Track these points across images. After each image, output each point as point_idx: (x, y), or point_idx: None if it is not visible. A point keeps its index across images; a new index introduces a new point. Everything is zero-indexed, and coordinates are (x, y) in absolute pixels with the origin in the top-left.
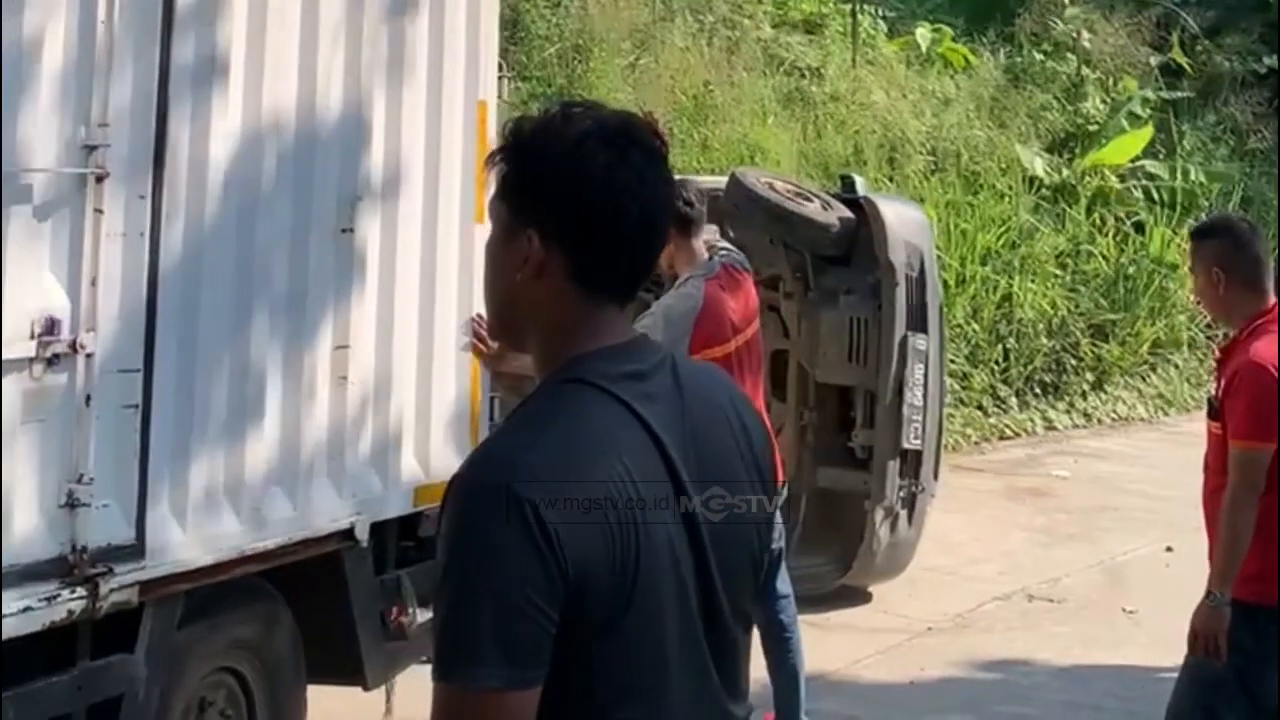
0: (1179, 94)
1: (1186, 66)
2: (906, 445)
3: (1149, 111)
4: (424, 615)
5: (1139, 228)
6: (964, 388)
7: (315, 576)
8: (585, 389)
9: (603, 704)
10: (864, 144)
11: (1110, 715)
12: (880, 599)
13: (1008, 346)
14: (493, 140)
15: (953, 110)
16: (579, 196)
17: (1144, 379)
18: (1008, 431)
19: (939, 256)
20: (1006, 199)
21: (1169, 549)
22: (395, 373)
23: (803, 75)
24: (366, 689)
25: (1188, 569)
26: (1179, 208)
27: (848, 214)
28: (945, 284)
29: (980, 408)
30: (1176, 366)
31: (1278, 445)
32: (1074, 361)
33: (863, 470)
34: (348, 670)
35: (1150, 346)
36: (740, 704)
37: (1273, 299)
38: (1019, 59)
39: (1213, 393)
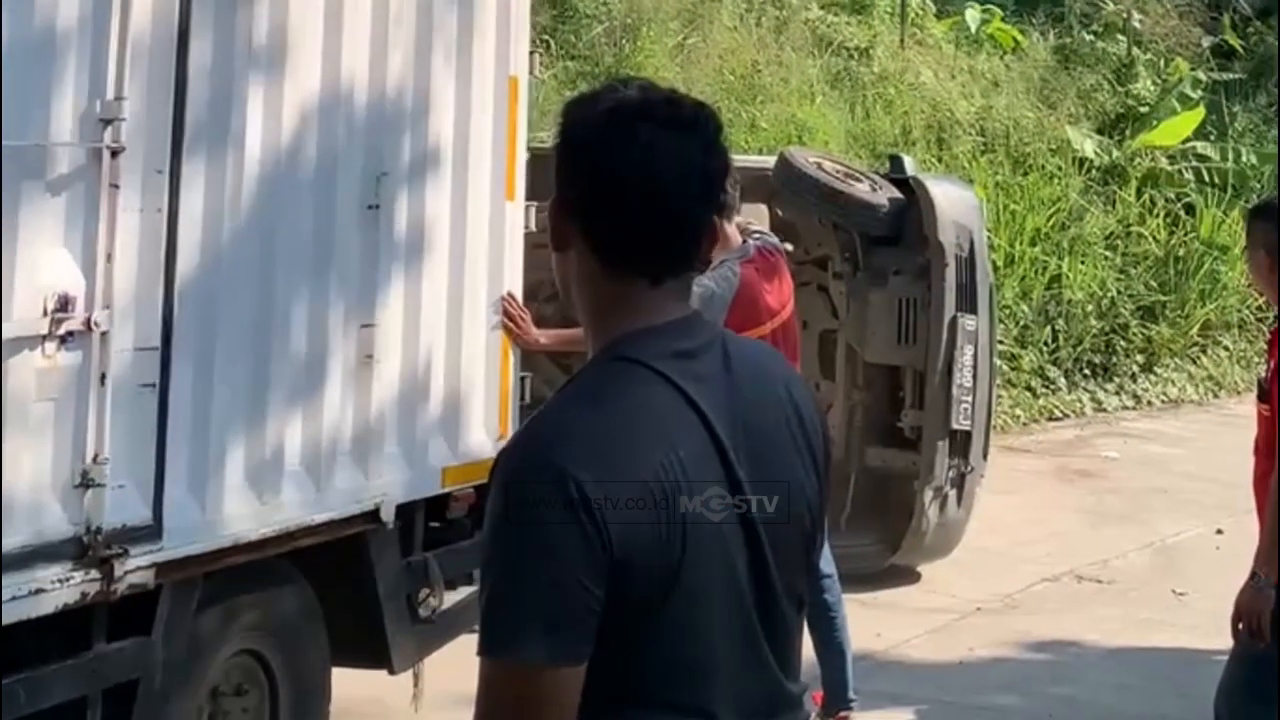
0: (1230, 75)
1: (1238, 48)
2: (955, 426)
3: (1200, 93)
4: (453, 599)
5: (1189, 209)
6: (1013, 368)
7: (340, 559)
8: (633, 368)
9: (651, 683)
10: (912, 124)
11: (1159, 697)
12: (929, 579)
13: (1057, 328)
14: (523, 116)
15: (1002, 91)
16: (586, 171)
17: (1194, 361)
18: (1056, 412)
19: (988, 237)
20: (1056, 180)
21: (1219, 531)
22: (423, 352)
23: (850, 55)
24: (393, 673)
25: (1238, 551)
26: (1230, 189)
27: (897, 194)
28: (994, 265)
29: (1029, 389)
30: (1227, 348)
31: None
32: (1123, 343)
33: (912, 450)
34: (374, 654)
35: (1200, 328)
36: (794, 681)
37: None
38: (1068, 40)
39: (1262, 375)
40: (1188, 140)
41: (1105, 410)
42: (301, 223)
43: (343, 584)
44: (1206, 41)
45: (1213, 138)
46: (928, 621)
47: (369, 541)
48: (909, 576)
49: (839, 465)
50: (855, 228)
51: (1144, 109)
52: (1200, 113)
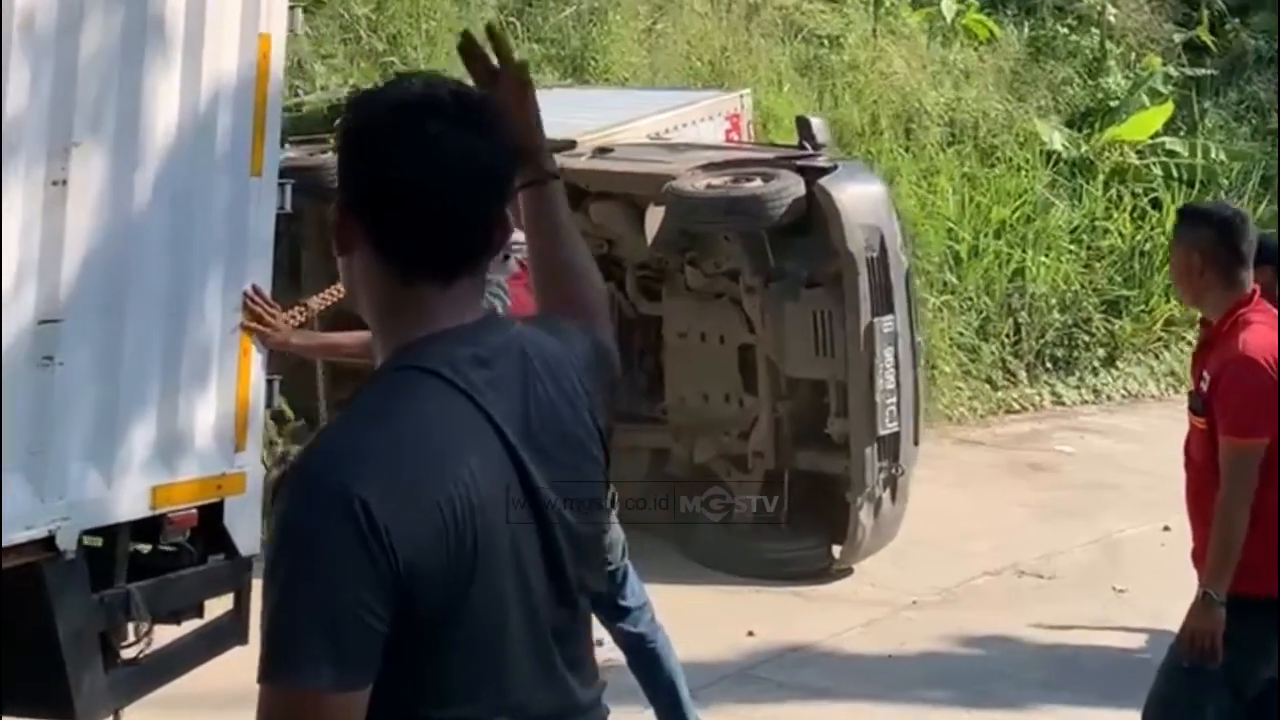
0: (1202, 71)
1: (1210, 44)
2: (882, 431)
3: (1171, 88)
4: (174, 634)
5: (1156, 204)
6: (973, 360)
7: (9, 593)
8: (422, 377)
9: (440, 699)
10: (881, 114)
11: (1087, 695)
12: (868, 572)
13: (1019, 320)
14: (275, 79)
15: (972, 83)
16: (369, 170)
17: (1156, 356)
18: (1015, 406)
19: (951, 229)
20: (1023, 173)
21: (1166, 528)
22: (128, 353)
23: (821, 43)
24: None
25: (1183, 548)
26: (1198, 185)
27: (794, 178)
28: (958, 257)
29: (989, 381)
30: (1190, 344)
31: (1271, 439)
32: (1086, 337)
33: (842, 454)
34: (52, 702)
35: (1164, 324)
36: (589, 687)
37: (1249, 288)
38: (1041, 32)
39: (1196, 387)
40: (1157, 135)
41: (1064, 404)
42: None
43: (14, 622)
44: (1179, 37)
45: (1182, 133)
46: (862, 615)
47: (44, 573)
48: (848, 568)
49: (771, 465)
50: (763, 226)
51: (1114, 103)
52: (1169, 108)
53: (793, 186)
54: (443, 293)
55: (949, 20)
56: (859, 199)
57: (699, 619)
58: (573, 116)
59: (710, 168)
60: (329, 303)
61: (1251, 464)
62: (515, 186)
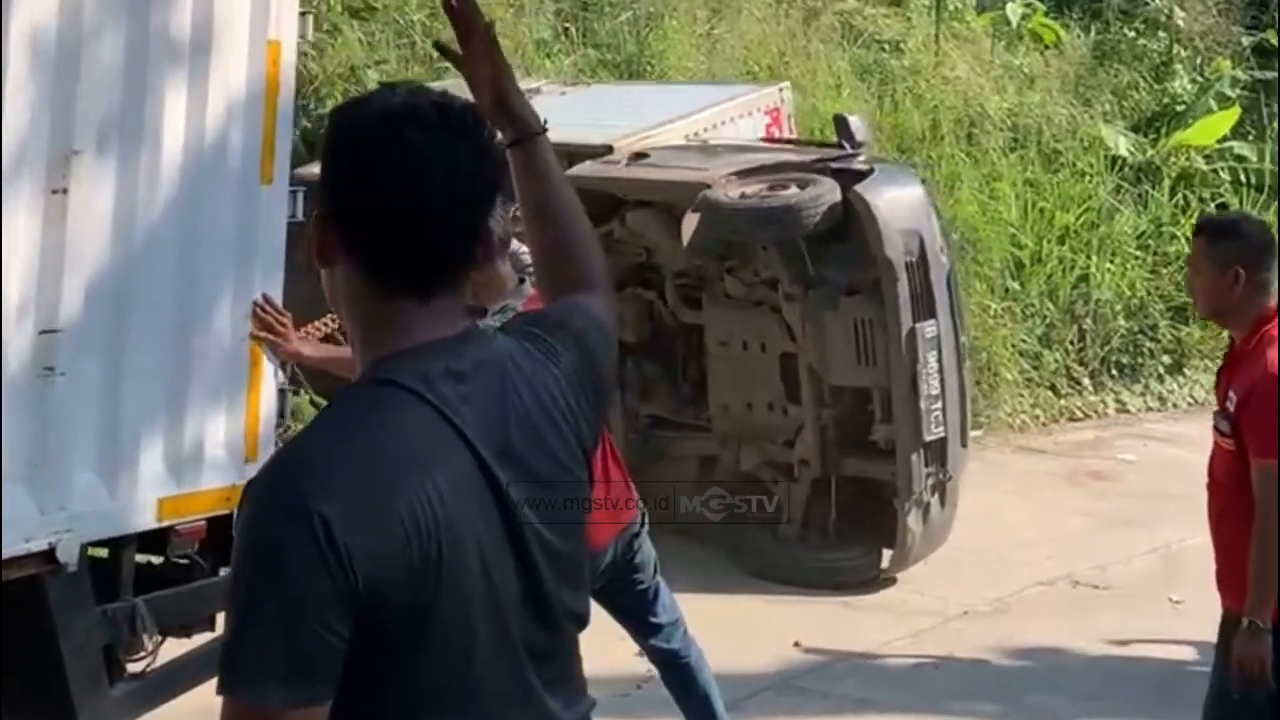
0: (1270, 74)
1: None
2: (928, 437)
3: (1239, 92)
4: (186, 647)
5: (1223, 209)
6: (1035, 368)
7: (12, 606)
8: (394, 392)
9: (407, 718)
10: (942, 119)
11: (1137, 708)
12: (920, 580)
13: (1084, 327)
14: (286, 87)
15: (1036, 87)
16: (349, 180)
17: None
18: (1079, 413)
19: (1014, 235)
20: (1088, 178)
21: None
22: (134, 363)
23: (882, 48)
24: None
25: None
26: (1266, 190)
27: (829, 184)
28: (1020, 263)
29: (1052, 388)
30: None
31: None
32: (1151, 344)
33: (888, 460)
34: (57, 717)
35: None
36: (574, 708)
37: (1275, 300)
38: (1107, 36)
39: (1221, 406)
40: (1224, 140)
41: (1129, 412)
42: None
43: (16, 636)
44: (1247, 40)
45: (1250, 137)
46: (912, 624)
47: (46, 585)
48: (895, 578)
49: (818, 472)
50: (799, 235)
51: (1180, 107)
52: (1236, 112)
53: (828, 194)
54: (422, 306)
55: (1014, 24)
56: (896, 204)
57: (744, 628)
58: (609, 117)
59: (745, 175)
60: None
61: None
62: (503, 145)
